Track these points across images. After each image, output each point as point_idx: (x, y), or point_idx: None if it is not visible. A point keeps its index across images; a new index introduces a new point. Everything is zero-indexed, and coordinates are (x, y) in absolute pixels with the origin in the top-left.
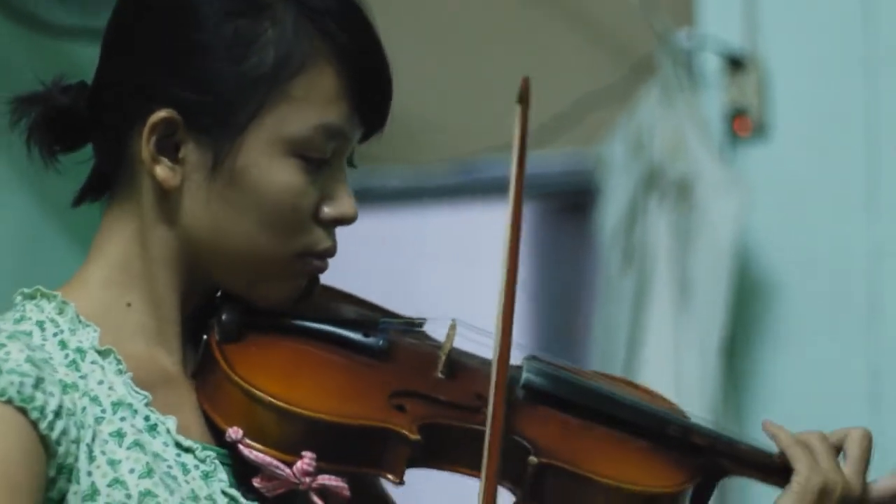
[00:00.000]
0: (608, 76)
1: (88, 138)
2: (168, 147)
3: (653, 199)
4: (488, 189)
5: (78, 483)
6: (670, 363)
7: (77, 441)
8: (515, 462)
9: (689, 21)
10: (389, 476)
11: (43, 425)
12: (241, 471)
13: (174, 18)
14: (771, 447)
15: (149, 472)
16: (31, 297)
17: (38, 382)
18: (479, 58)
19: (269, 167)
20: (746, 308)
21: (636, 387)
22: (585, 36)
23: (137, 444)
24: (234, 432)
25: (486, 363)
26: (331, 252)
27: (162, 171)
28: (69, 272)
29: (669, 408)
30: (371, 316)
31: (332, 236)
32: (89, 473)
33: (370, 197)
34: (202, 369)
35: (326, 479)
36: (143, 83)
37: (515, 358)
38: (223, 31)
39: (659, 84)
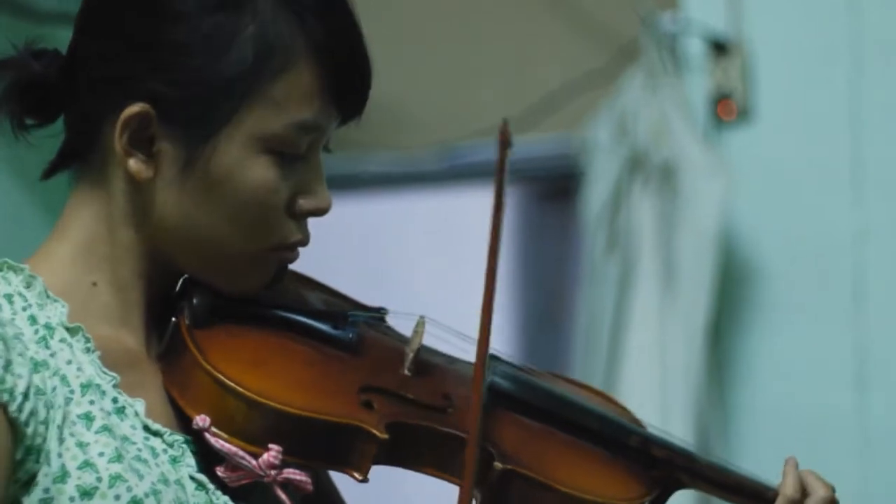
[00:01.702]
0: (593, 60)
1: (61, 110)
2: (142, 140)
3: (637, 183)
4: (474, 174)
5: (49, 465)
6: (655, 347)
7: (46, 422)
8: (480, 466)
9: (674, 5)
10: (355, 474)
11: (12, 408)
12: (205, 458)
13: (153, 10)
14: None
15: (118, 457)
16: None
17: (7, 365)
18: (464, 43)
19: (243, 165)
20: (731, 291)
21: (597, 393)
22: (570, 20)
23: (106, 427)
24: (201, 420)
25: (451, 361)
26: (303, 243)
27: (135, 164)
28: None
29: (629, 418)
30: (340, 306)
31: (304, 228)
32: (59, 455)
33: (356, 183)
34: (170, 352)
35: (291, 473)
36: (119, 74)
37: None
38: (202, 26)
39: (643, 68)
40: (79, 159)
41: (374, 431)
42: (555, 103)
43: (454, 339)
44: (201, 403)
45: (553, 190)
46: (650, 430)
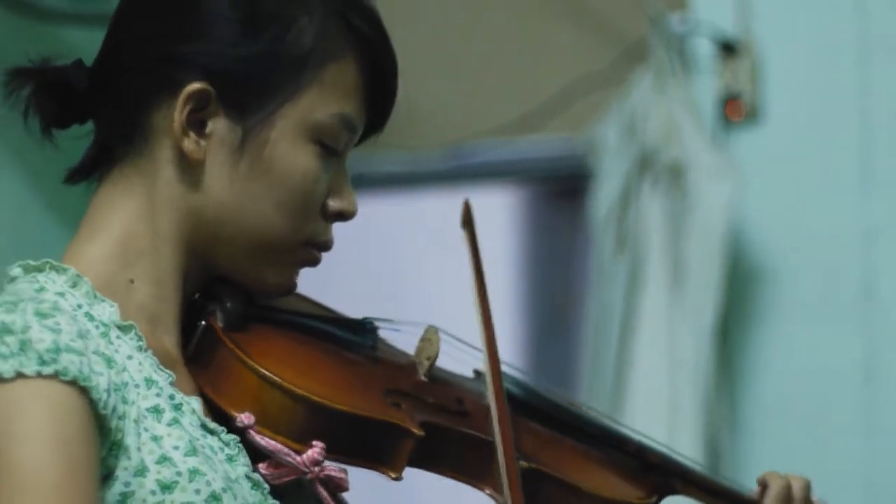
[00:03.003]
0: (601, 61)
1: (88, 114)
2: (195, 121)
3: (646, 184)
4: (481, 174)
5: (129, 459)
6: (664, 346)
7: (123, 417)
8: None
9: (683, 5)
10: (390, 473)
11: (100, 405)
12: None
13: None
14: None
15: (193, 451)
16: (39, 269)
17: (91, 363)
18: (472, 43)
19: (293, 150)
20: (740, 291)
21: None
22: (578, 20)
23: (176, 421)
24: (245, 418)
25: (453, 373)
26: (328, 245)
27: (189, 143)
28: (55, 249)
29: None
30: (350, 318)
31: (330, 231)
32: (138, 449)
33: (364, 183)
34: (202, 354)
35: (331, 470)
36: (176, 53)
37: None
38: (265, 7)
39: (652, 69)
40: (113, 153)
41: (412, 428)
42: (563, 103)
43: (463, 348)
44: (244, 402)
45: (561, 190)
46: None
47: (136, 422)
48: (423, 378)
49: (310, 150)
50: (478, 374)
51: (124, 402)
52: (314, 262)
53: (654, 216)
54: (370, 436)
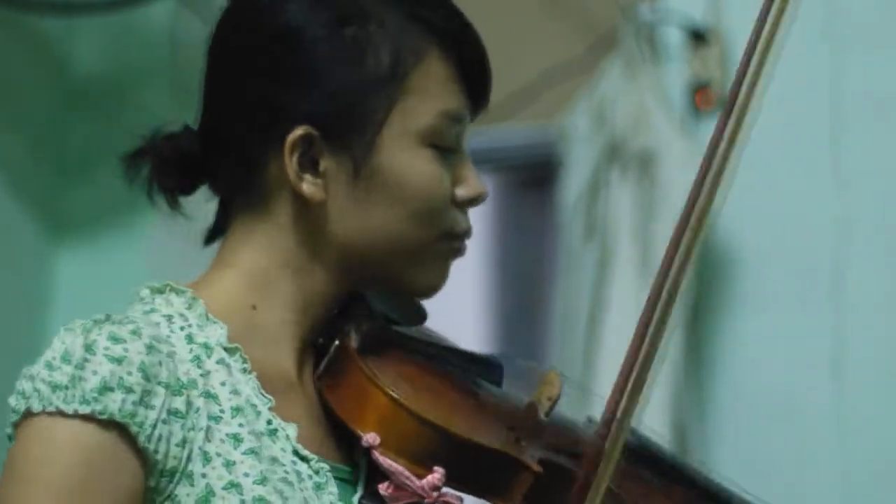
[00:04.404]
0: (571, 49)
1: (205, 177)
2: (307, 163)
3: (615, 172)
4: None
5: (192, 485)
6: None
7: (183, 443)
8: None
9: None
10: None
11: (142, 438)
12: (365, 482)
13: (280, 44)
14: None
15: (263, 480)
16: (160, 291)
17: (143, 396)
18: None
19: (406, 161)
20: (709, 280)
21: None
22: (549, 9)
23: (253, 451)
24: (371, 438)
25: (566, 418)
26: (469, 233)
27: (308, 187)
28: (40, 264)
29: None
30: (478, 352)
31: (468, 217)
32: (203, 475)
33: None
34: (333, 373)
35: (449, 497)
36: (272, 106)
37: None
38: (336, 43)
39: (622, 57)
40: (235, 209)
41: (531, 464)
42: (533, 92)
43: (577, 393)
44: (370, 423)
45: (532, 178)
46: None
47: (203, 448)
48: (543, 418)
49: (425, 154)
50: (590, 419)
51: (188, 428)
52: (459, 252)
53: (624, 204)
54: (490, 467)
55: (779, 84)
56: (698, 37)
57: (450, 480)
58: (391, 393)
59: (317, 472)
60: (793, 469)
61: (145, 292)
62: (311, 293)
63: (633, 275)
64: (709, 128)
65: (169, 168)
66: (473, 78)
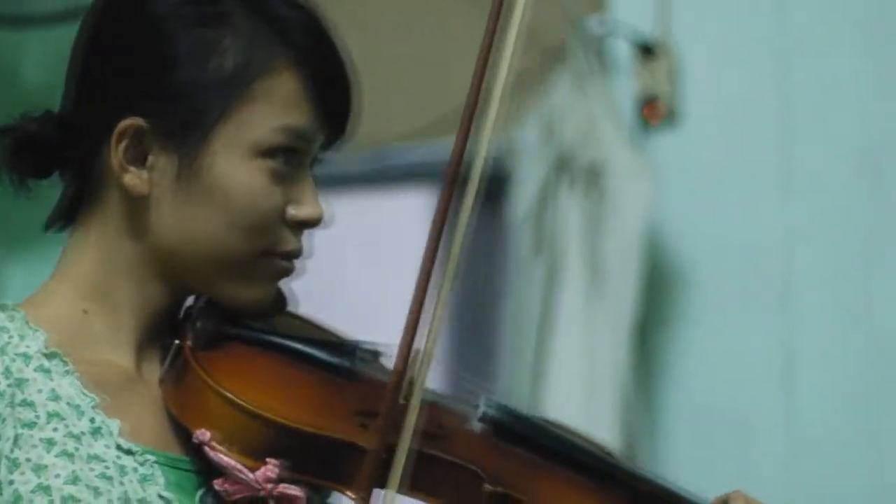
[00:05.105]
0: (519, 62)
1: (57, 164)
2: (137, 156)
3: (564, 185)
4: (399, 176)
5: None
6: (582, 347)
7: None
8: (470, 489)
9: (601, 7)
10: (349, 492)
11: None
12: (207, 475)
13: (139, 31)
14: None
15: (75, 479)
16: None
17: None
18: (390, 45)
19: (232, 169)
20: (658, 293)
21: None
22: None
23: (66, 453)
24: (200, 434)
25: (438, 395)
26: (296, 254)
27: (130, 179)
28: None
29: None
30: (335, 338)
31: (299, 238)
32: (11, 482)
33: None
34: (171, 373)
35: (286, 488)
36: (112, 95)
37: (475, 395)
38: (185, 41)
39: (570, 70)
40: (80, 198)
41: (368, 448)
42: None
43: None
44: (201, 419)
45: (480, 192)
46: (630, 465)
47: (10, 456)
48: (401, 401)
49: (255, 166)
50: (476, 404)
51: None
52: (285, 272)
53: (572, 217)
54: (327, 454)
55: (725, 97)
56: (647, 50)
57: (293, 471)
58: (217, 388)
59: (142, 465)
60: (742, 480)
61: None
62: (144, 296)
63: (581, 287)
64: (658, 140)
65: (23, 150)
66: (326, 96)
